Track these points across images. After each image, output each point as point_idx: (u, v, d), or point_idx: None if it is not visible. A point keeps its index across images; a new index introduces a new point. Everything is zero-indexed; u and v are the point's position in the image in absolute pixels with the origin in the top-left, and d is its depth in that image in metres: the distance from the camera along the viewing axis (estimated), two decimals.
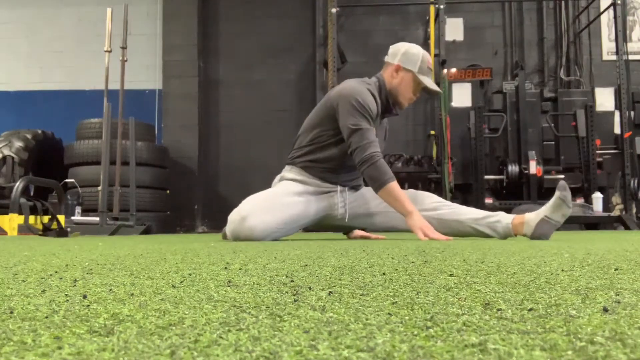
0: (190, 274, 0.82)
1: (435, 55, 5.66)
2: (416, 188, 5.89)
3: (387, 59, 2.61)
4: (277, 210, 2.38)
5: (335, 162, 2.52)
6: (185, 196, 6.46)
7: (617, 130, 5.99)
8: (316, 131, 2.53)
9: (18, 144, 5.57)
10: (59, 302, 0.55)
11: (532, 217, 2.39)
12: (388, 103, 2.58)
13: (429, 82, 2.57)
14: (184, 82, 6.64)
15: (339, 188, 2.55)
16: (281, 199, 2.43)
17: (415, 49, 2.58)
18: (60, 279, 0.78)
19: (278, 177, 2.63)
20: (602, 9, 6.20)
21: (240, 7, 6.83)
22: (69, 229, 3.75)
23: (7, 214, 3.70)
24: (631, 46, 6.38)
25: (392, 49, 2.62)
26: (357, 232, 2.68)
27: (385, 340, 0.36)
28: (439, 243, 1.83)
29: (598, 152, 5.63)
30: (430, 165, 5.91)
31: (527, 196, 5.53)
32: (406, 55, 2.56)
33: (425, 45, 6.51)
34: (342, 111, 2.41)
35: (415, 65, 2.54)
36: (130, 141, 4.95)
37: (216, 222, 6.50)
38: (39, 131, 5.84)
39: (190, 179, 6.51)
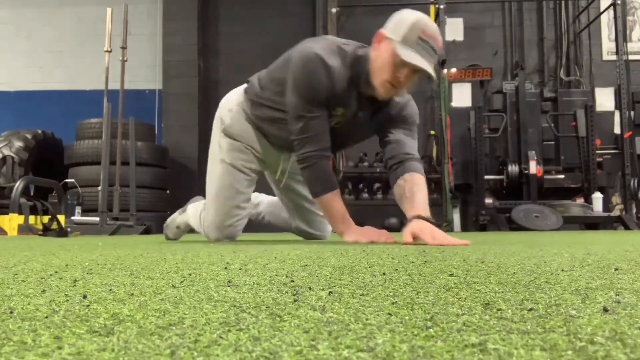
0: (190, 274, 0.82)
1: None
2: None
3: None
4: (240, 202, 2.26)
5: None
6: (185, 196, 6.43)
7: (617, 130, 5.99)
8: (279, 89, 2.06)
9: (18, 144, 5.57)
10: (59, 302, 0.55)
11: None
12: (366, 86, 1.94)
13: (412, 56, 1.80)
14: (184, 82, 6.64)
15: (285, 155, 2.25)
16: (240, 196, 2.25)
17: (408, 14, 1.87)
18: (60, 279, 0.78)
19: (228, 109, 2.29)
20: (602, 9, 6.20)
21: (240, 7, 6.83)
22: (69, 229, 3.75)
23: (7, 214, 3.70)
24: (631, 46, 6.38)
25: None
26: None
27: (385, 340, 0.36)
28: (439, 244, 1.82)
29: (598, 152, 5.63)
30: (430, 166, 5.91)
31: (527, 196, 5.53)
32: (393, 19, 1.89)
33: None
34: (289, 83, 1.96)
35: (399, 32, 1.82)
36: (130, 141, 4.95)
37: None
38: (39, 131, 5.85)
39: (190, 179, 6.51)
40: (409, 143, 2.07)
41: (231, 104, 2.31)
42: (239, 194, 2.26)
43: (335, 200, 1.98)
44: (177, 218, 2.72)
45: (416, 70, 1.85)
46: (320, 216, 2.44)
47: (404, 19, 1.85)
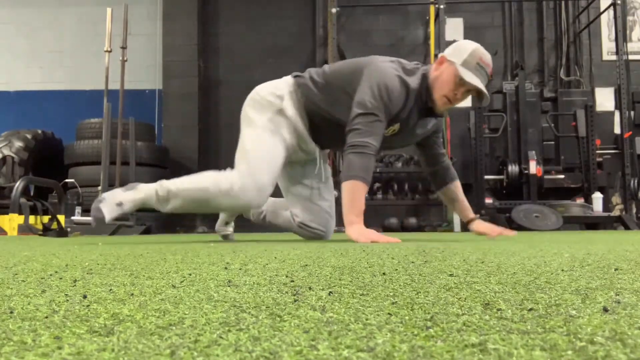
0: (190, 274, 0.82)
1: (435, 55, 5.66)
2: (416, 188, 5.96)
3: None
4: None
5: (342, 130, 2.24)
6: None
7: (617, 130, 5.99)
8: (340, 84, 2.27)
9: (18, 144, 5.57)
10: (59, 302, 0.55)
11: None
12: (427, 100, 2.24)
13: (472, 77, 2.13)
14: (184, 82, 6.64)
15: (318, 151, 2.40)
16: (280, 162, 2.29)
17: (469, 44, 2.23)
18: (60, 279, 0.78)
19: (278, 95, 2.34)
20: (602, 9, 6.20)
21: (240, 7, 6.83)
22: (69, 229, 3.75)
23: (7, 214, 3.70)
24: (631, 46, 6.38)
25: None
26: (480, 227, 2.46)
27: (385, 340, 0.36)
28: (440, 244, 1.83)
29: (598, 152, 5.63)
30: None
31: (527, 196, 5.53)
32: (454, 46, 2.24)
33: (425, 46, 6.53)
34: (365, 85, 2.16)
35: (461, 56, 2.16)
36: (130, 141, 4.95)
37: (216, 222, 6.49)
38: (39, 131, 5.85)
39: None
40: (444, 152, 2.54)
41: (281, 92, 2.35)
42: (281, 166, 2.31)
43: (362, 191, 2.13)
44: (119, 195, 2.43)
45: (469, 90, 2.20)
46: (328, 213, 2.48)
47: (465, 47, 2.21)
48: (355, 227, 2.07)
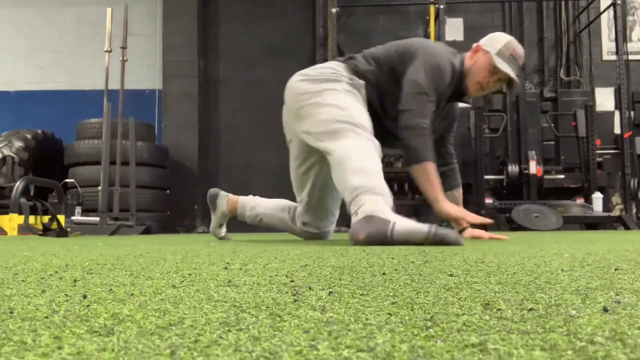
0: (190, 274, 0.82)
1: None
2: (416, 188, 5.95)
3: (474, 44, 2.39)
4: None
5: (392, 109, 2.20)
6: (185, 196, 6.46)
7: (617, 130, 5.99)
8: (389, 62, 2.25)
9: (18, 144, 5.57)
10: (59, 302, 0.55)
11: None
12: (460, 86, 2.31)
13: (505, 66, 2.23)
14: (184, 82, 6.64)
15: None
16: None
17: (503, 35, 2.34)
18: (60, 279, 0.78)
19: (345, 74, 2.22)
20: (602, 9, 6.20)
21: (240, 7, 6.83)
22: (69, 229, 3.75)
23: (7, 214, 3.70)
24: (631, 46, 6.38)
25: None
26: (473, 232, 2.35)
27: (385, 340, 0.36)
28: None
29: (598, 152, 5.63)
30: None
31: (527, 196, 5.53)
32: (489, 37, 2.34)
33: None
34: (418, 65, 2.17)
35: (495, 47, 2.26)
36: (130, 141, 4.95)
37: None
38: (39, 131, 5.84)
39: (190, 179, 6.51)
40: (454, 153, 2.64)
41: (339, 76, 2.21)
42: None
43: (435, 170, 2.14)
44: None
45: (501, 79, 2.28)
46: (334, 215, 2.44)
47: (500, 38, 2.31)
48: (447, 203, 2.16)
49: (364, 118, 2.07)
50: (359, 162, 1.86)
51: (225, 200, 2.67)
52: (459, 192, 2.61)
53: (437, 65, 2.18)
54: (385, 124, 2.27)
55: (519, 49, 2.30)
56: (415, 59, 2.19)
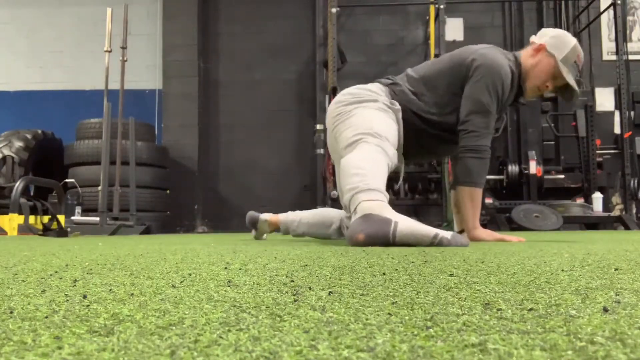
0: (190, 274, 0.82)
1: (435, 55, 5.66)
2: (416, 188, 5.96)
3: (533, 38, 2.30)
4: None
5: (440, 132, 2.16)
6: (185, 196, 6.46)
7: (617, 130, 5.99)
8: (441, 82, 2.17)
9: (18, 144, 5.57)
10: (59, 302, 0.55)
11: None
12: (519, 88, 2.24)
13: (570, 78, 2.18)
14: (184, 82, 6.64)
15: None
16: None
17: (569, 37, 2.24)
18: (60, 279, 0.78)
19: (384, 98, 2.14)
20: (602, 9, 6.20)
21: (240, 7, 6.83)
22: (69, 229, 3.75)
23: (7, 214, 3.70)
24: (631, 46, 6.38)
25: (544, 30, 2.31)
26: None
27: (385, 340, 0.36)
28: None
29: (598, 152, 5.63)
30: (431, 165, 5.91)
31: (527, 196, 5.53)
32: (556, 38, 2.23)
33: (425, 45, 6.52)
34: (479, 81, 2.09)
35: (562, 52, 2.18)
36: (130, 141, 4.95)
37: (216, 222, 6.50)
38: (39, 131, 5.84)
39: (190, 179, 6.51)
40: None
41: (377, 97, 2.15)
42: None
43: (480, 198, 2.14)
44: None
45: (559, 85, 2.23)
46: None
47: (567, 41, 2.22)
48: (482, 231, 2.15)
49: (386, 127, 2.01)
50: (357, 165, 1.82)
51: (266, 224, 2.64)
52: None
53: (500, 79, 2.10)
54: (430, 132, 2.19)
55: (582, 55, 2.24)
56: (475, 72, 2.11)
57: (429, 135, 2.21)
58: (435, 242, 1.59)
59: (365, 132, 1.96)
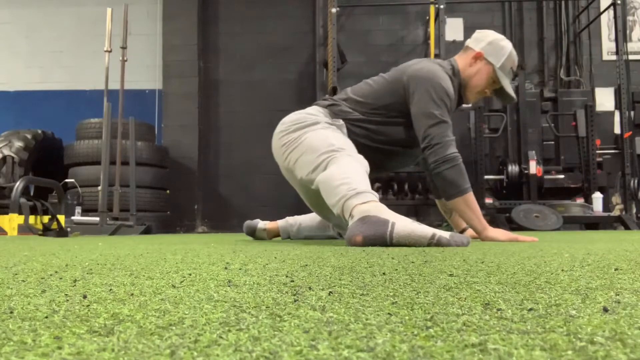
0: (190, 274, 0.82)
1: (435, 55, 5.66)
2: (416, 188, 5.96)
3: (469, 42, 2.33)
4: None
5: (391, 147, 2.19)
6: (185, 196, 6.46)
7: (617, 130, 5.99)
8: (381, 104, 2.18)
9: (18, 144, 5.57)
10: (59, 302, 0.55)
11: None
12: (459, 95, 2.30)
13: (507, 84, 2.28)
14: (184, 82, 6.64)
15: None
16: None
17: (505, 42, 2.30)
18: (60, 279, 0.78)
19: (324, 119, 2.15)
20: (602, 9, 6.19)
21: (240, 7, 6.83)
22: (69, 229, 3.75)
23: (7, 214, 3.70)
24: (631, 46, 6.37)
25: (478, 34, 2.35)
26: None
27: (385, 340, 0.36)
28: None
29: (598, 152, 5.63)
30: None
31: (527, 196, 5.53)
32: (493, 45, 2.28)
33: (425, 45, 6.52)
34: (420, 96, 2.10)
35: (499, 59, 2.26)
36: (130, 141, 4.95)
37: (216, 222, 6.50)
38: (39, 131, 5.84)
39: (190, 179, 6.51)
40: None
41: (318, 119, 2.16)
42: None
43: (475, 200, 2.14)
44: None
45: (497, 88, 2.33)
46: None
47: (504, 48, 2.28)
48: (493, 229, 2.14)
49: (344, 141, 2.04)
50: (339, 177, 1.82)
51: (264, 233, 2.64)
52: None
53: (442, 88, 2.11)
54: (372, 147, 2.20)
55: (517, 60, 2.32)
56: (416, 89, 2.12)
57: (373, 149, 2.20)
58: (433, 243, 1.58)
59: (328, 149, 1.97)
